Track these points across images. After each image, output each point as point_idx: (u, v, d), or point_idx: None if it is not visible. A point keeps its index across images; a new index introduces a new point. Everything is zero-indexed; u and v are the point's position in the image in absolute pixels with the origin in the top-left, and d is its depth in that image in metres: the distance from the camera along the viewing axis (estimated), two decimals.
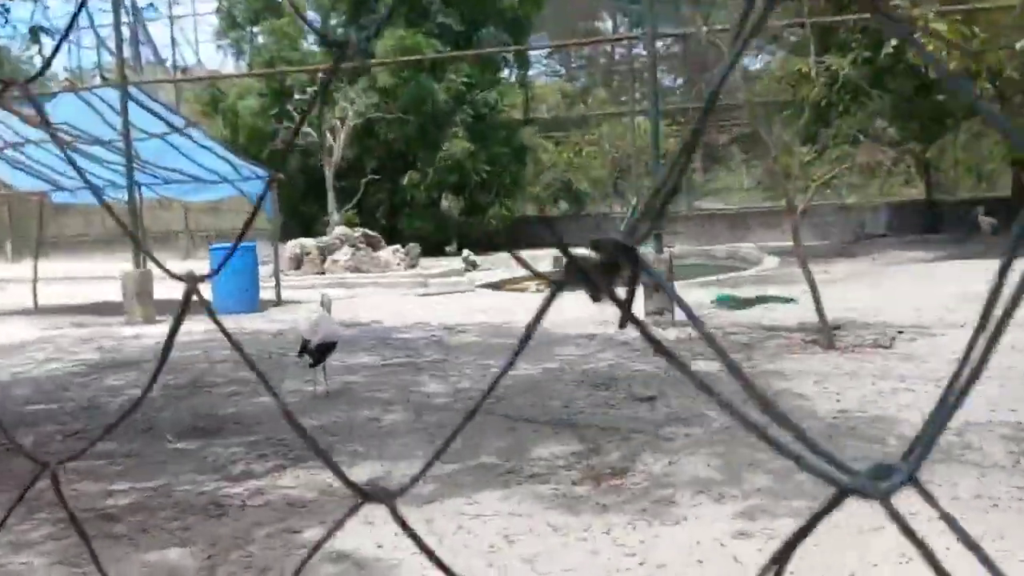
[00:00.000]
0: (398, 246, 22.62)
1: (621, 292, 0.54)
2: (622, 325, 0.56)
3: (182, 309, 0.85)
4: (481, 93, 29.95)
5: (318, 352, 8.59)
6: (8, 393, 9.41)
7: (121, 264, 20.22)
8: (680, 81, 37.22)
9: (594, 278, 0.53)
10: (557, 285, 0.57)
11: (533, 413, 7.61)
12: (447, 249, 26.71)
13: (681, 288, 13.37)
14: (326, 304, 8.83)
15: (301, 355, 8.75)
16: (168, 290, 20.75)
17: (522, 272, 22.44)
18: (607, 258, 0.53)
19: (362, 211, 27.66)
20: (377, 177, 26.63)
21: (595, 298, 0.54)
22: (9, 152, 16.66)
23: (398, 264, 21.84)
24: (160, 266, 0.92)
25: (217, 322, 0.80)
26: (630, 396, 8.05)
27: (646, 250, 21.67)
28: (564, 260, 0.55)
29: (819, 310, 9.87)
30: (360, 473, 6.16)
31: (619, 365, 9.50)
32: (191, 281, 0.85)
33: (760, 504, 5.26)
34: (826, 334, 9.82)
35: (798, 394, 7.78)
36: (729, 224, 28.97)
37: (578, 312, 13.91)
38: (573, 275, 0.54)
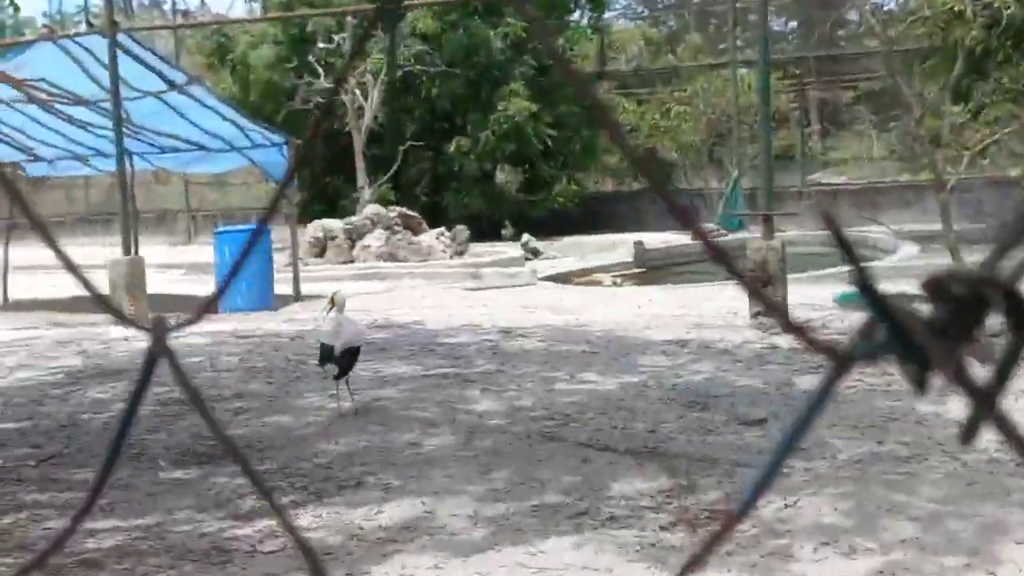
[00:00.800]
0: (442, 229, 22.62)
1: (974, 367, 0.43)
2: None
3: (143, 374, 0.76)
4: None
5: (344, 359, 8.56)
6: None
7: (110, 250, 20.46)
8: (794, 24, 36.84)
9: (929, 348, 0.41)
10: (845, 357, 0.46)
11: (611, 439, 7.49)
12: (503, 233, 26.69)
13: (793, 283, 13.16)
14: (339, 304, 8.73)
15: (323, 364, 8.71)
16: (168, 281, 21.01)
17: (597, 262, 22.36)
18: (954, 309, 0.41)
19: (399, 186, 27.72)
20: (418, 144, 26.66)
21: (920, 383, 0.42)
22: None
23: (443, 251, 21.83)
24: (114, 312, 0.84)
25: (176, 367, 0.72)
26: (733, 418, 7.90)
27: (744, 236, 21.50)
28: (870, 311, 0.44)
29: None
30: (395, 512, 6.09)
31: (719, 379, 9.36)
32: (158, 332, 0.75)
33: (902, 560, 5.10)
34: (985, 345, 9.57)
35: (953, 420, 7.57)
36: (854, 202, 28.60)
37: (666, 310, 13.81)
38: (882, 337, 0.43)
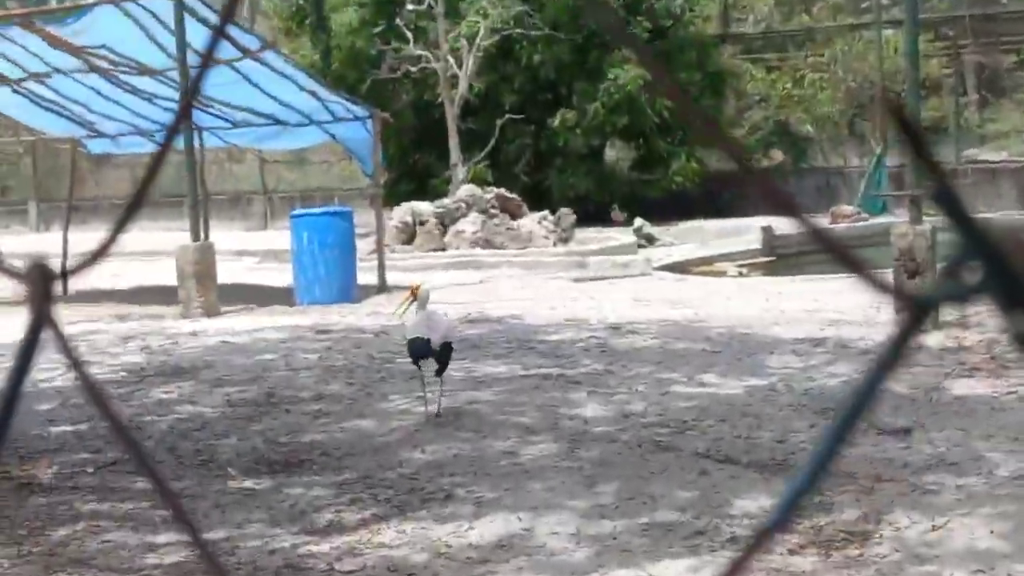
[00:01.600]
0: (545, 212, 22.61)
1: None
2: None
3: (25, 348, 0.73)
4: (662, 0, 29.69)
5: (444, 354, 8.53)
6: (27, 407, 9.70)
7: (178, 235, 20.82)
8: None
9: None
10: (923, 303, 0.42)
11: (733, 450, 7.43)
12: (613, 217, 26.59)
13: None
14: (422, 298, 8.65)
15: (418, 362, 8.63)
16: (241, 270, 21.31)
17: (720, 249, 22.21)
18: None
19: (497, 164, 27.79)
20: (517, 117, 26.68)
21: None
22: (32, 85, 17.26)
23: (545, 237, 21.83)
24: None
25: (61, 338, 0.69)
26: (874, 428, 7.78)
27: (888, 220, 21.16)
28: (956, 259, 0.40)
29: None
30: (487, 529, 6.10)
31: (857, 382, 9.21)
32: (37, 277, 0.72)
33: None
34: None
35: None
36: (1017, 182, 28.03)
37: (798, 304, 13.66)
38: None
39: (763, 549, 0.53)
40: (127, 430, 0.73)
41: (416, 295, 8.77)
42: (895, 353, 0.47)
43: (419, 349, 8.58)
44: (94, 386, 0.68)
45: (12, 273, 0.76)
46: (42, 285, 0.68)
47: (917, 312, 0.46)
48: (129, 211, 0.71)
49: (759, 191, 0.56)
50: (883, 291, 0.48)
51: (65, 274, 0.81)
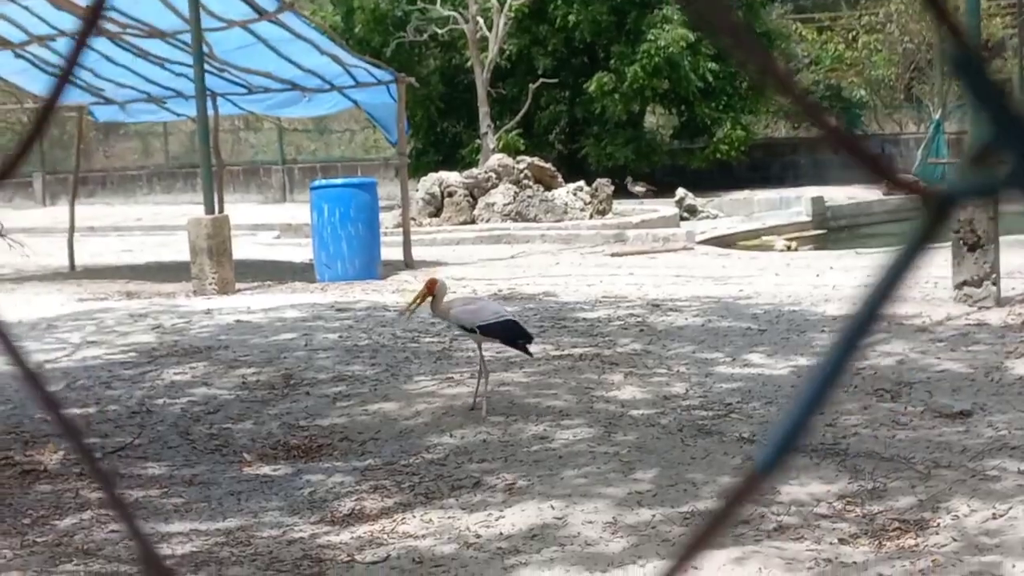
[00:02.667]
0: (581, 183, 22.57)
1: None
2: None
3: None
4: None
5: (500, 332, 8.37)
6: (31, 391, 9.76)
7: (191, 208, 20.88)
8: None
9: None
10: (946, 197, 0.40)
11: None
12: (630, 189, 26.45)
13: (1008, 248, 12.84)
14: (440, 292, 8.42)
15: (523, 343, 8.46)
16: (259, 244, 21.37)
17: (767, 222, 22.14)
18: None
19: (529, 132, 27.75)
20: (551, 82, 26.61)
21: None
22: (36, 49, 17.32)
23: (581, 209, 21.80)
24: None
25: None
26: (931, 410, 7.76)
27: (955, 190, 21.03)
28: None
29: None
30: (518, 518, 6.10)
31: (913, 362, 9.19)
32: None
33: None
34: None
35: None
36: None
37: (850, 280, 13.61)
38: None
39: (753, 493, 0.53)
40: (58, 407, 0.72)
41: (434, 291, 8.39)
42: (913, 252, 0.45)
43: (518, 329, 8.51)
44: (23, 363, 0.68)
45: None
46: None
47: (941, 207, 0.44)
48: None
49: (853, 154, 0.54)
50: (899, 185, 0.45)
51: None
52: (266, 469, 7.33)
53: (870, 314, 0.49)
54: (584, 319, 11.94)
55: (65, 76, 0.72)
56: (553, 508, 6.26)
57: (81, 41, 0.72)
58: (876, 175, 0.54)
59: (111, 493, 0.61)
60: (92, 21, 0.78)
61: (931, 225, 0.44)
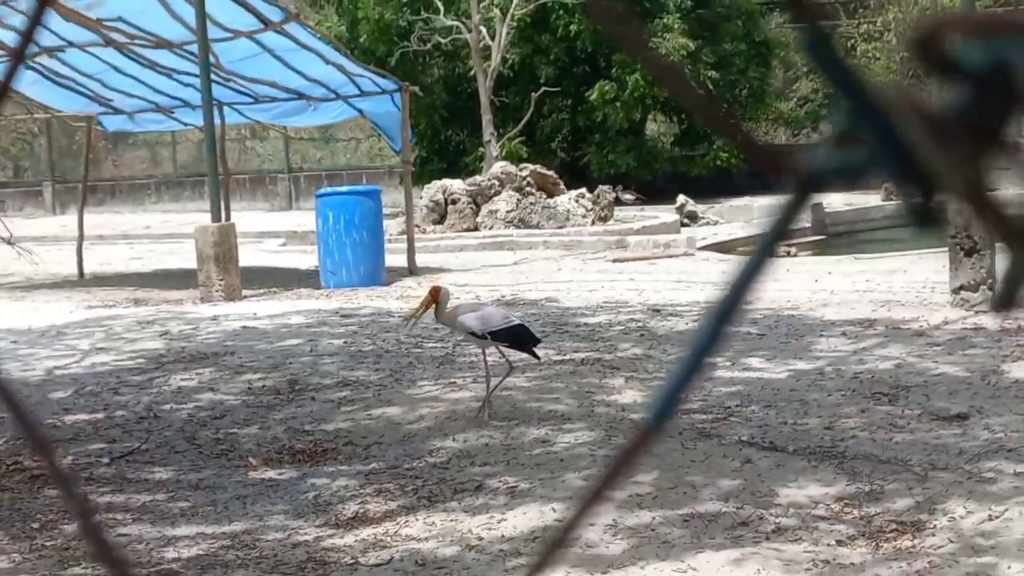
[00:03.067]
0: (583, 190, 22.59)
1: None
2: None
3: None
4: None
5: (509, 338, 8.33)
6: (40, 396, 9.78)
7: (198, 216, 20.90)
8: None
9: (934, 158, 0.34)
10: (810, 177, 0.40)
11: (779, 437, 7.41)
12: (619, 197, 26.44)
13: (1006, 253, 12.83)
14: (444, 300, 8.36)
15: (532, 348, 8.43)
16: (264, 252, 21.38)
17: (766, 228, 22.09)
18: (975, 92, 0.33)
19: (532, 140, 27.78)
20: (554, 90, 26.65)
21: (922, 213, 0.35)
22: (45, 60, 17.35)
23: (583, 216, 21.82)
24: None
25: None
26: (928, 413, 7.75)
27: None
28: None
29: None
30: (520, 521, 6.10)
31: (910, 366, 9.18)
32: None
33: None
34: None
35: None
36: None
37: (848, 285, 13.61)
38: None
39: (642, 447, 0.56)
40: (27, 415, 0.72)
41: (438, 299, 8.31)
42: (777, 232, 0.46)
43: (527, 334, 8.53)
44: None
45: None
46: None
47: (804, 187, 0.44)
48: None
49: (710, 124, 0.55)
50: (760, 157, 0.46)
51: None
52: (271, 473, 7.33)
53: (738, 293, 0.50)
54: (586, 324, 11.94)
55: (20, 55, 0.72)
56: (554, 511, 6.26)
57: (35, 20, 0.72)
58: (740, 147, 0.56)
59: (70, 493, 0.62)
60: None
61: (794, 205, 0.45)
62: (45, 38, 16.65)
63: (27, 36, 0.70)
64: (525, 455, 7.36)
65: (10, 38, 16.44)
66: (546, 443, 7.60)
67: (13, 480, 7.26)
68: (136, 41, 16.86)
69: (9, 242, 12.84)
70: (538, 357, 8.80)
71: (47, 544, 6.12)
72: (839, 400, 8.27)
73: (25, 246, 15.16)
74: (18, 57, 0.73)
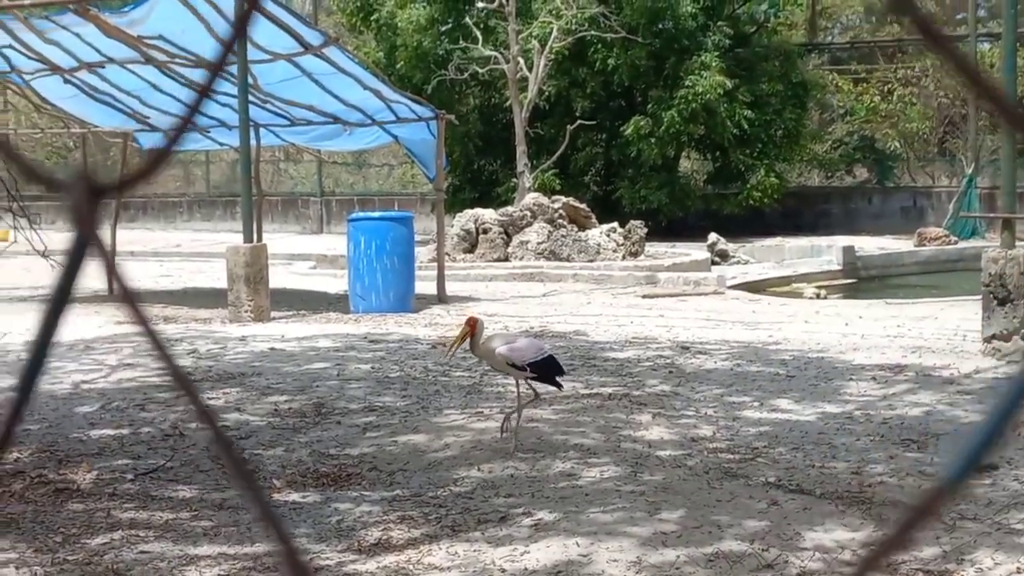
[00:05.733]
0: (614, 224, 22.58)
1: None
2: None
3: (74, 248, 0.72)
4: (745, 4, 29.59)
5: (544, 369, 8.33)
6: (67, 410, 9.81)
7: (230, 236, 20.95)
8: None
9: None
10: None
11: (806, 479, 7.36)
12: (685, 231, 26.54)
13: None
14: (479, 330, 8.27)
15: (557, 378, 8.43)
16: (294, 274, 21.42)
17: (797, 269, 22.10)
18: None
19: (565, 172, 27.81)
20: (589, 123, 26.66)
21: None
22: (84, 76, 17.45)
23: (614, 250, 21.80)
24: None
25: None
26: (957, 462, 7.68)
27: (979, 244, 20.87)
28: None
29: None
30: (543, 554, 6.07)
31: (939, 413, 9.12)
32: (82, 191, 0.70)
33: None
34: None
35: None
36: None
37: (879, 329, 13.55)
38: None
39: (932, 517, 0.53)
40: (207, 410, 0.72)
41: (475, 330, 8.22)
42: None
43: (557, 365, 8.52)
44: (161, 346, 0.68)
45: (54, 183, 0.75)
46: (88, 200, 0.67)
47: None
48: None
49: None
50: None
51: (114, 188, 0.79)
52: (295, 496, 7.32)
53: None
54: (614, 359, 11.91)
55: None
56: (578, 545, 6.22)
57: None
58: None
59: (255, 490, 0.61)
60: None
61: None
62: (85, 53, 16.76)
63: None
64: (550, 488, 7.33)
65: (53, 53, 16.57)
66: (572, 476, 7.57)
67: (37, 493, 7.26)
68: (175, 60, 16.95)
69: (43, 255, 12.89)
70: (561, 387, 8.77)
71: (69, 558, 6.12)
72: (867, 445, 8.22)
73: (57, 259, 15.10)
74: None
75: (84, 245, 0.67)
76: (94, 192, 0.67)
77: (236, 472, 0.62)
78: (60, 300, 0.68)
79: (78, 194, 0.66)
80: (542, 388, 8.61)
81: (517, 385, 8.46)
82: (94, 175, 0.69)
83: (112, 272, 0.69)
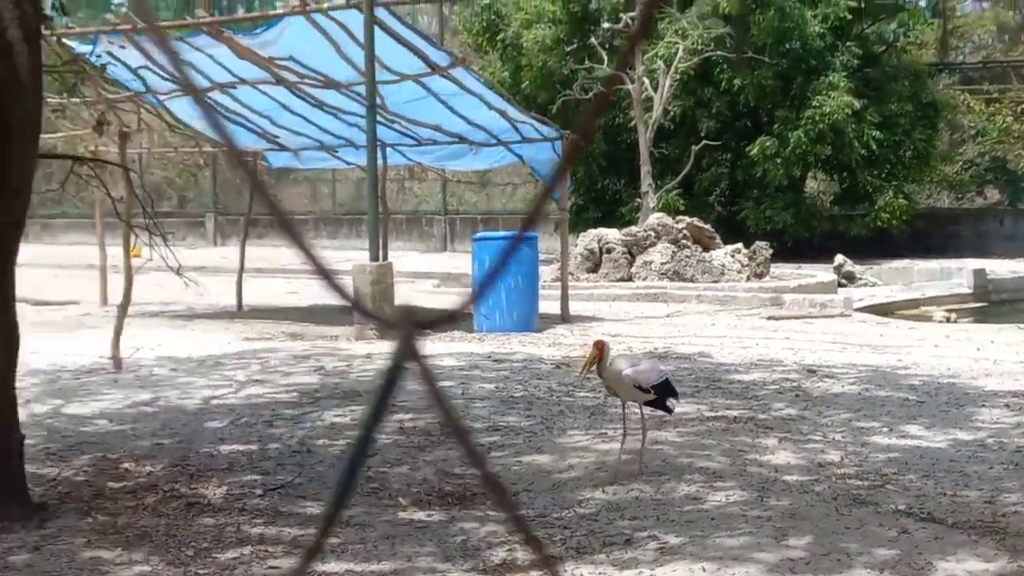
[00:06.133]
0: (739, 245, 22.42)
1: None
2: None
3: (386, 385, 0.76)
4: (874, 24, 29.27)
5: (662, 391, 8.32)
6: (197, 425, 9.97)
7: (355, 253, 21.16)
8: None
9: None
10: None
11: (937, 508, 7.24)
12: (811, 253, 26.27)
13: None
14: (608, 355, 8.20)
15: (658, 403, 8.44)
16: (418, 292, 21.56)
17: (927, 292, 21.78)
18: None
19: (690, 192, 27.69)
20: (714, 143, 26.51)
21: None
22: (216, 96, 17.75)
23: (738, 271, 21.64)
24: (355, 305, 0.85)
25: None
26: None
27: None
28: None
29: None
30: None
31: None
32: (405, 329, 0.74)
33: None
34: None
35: None
36: None
37: (1012, 355, 13.29)
38: None
39: None
40: (491, 473, 0.76)
41: (603, 353, 8.16)
42: None
43: (672, 387, 8.49)
44: (453, 417, 0.73)
45: (382, 318, 0.87)
46: (409, 328, 0.77)
47: None
48: None
49: None
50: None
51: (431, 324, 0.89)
52: (420, 514, 7.35)
53: None
54: (739, 381, 11.82)
55: None
56: (704, 570, 6.18)
57: None
58: None
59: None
60: None
61: None
62: (218, 74, 17.05)
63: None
64: (675, 511, 7.29)
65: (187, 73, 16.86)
66: (697, 500, 7.53)
67: (169, 507, 7.39)
68: (305, 80, 17.17)
69: (177, 272, 13.14)
70: (672, 411, 8.66)
71: (200, 572, 6.21)
72: (1001, 473, 8.06)
73: (190, 276, 15.43)
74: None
75: (403, 366, 0.75)
76: (416, 325, 0.76)
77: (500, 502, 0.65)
78: (381, 407, 0.76)
79: (405, 328, 0.76)
80: (647, 410, 8.55)
81: (640, 408, 8.42)
82: (415, 312, 0.80)
83: (431, 382, 0.74)
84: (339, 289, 0.84)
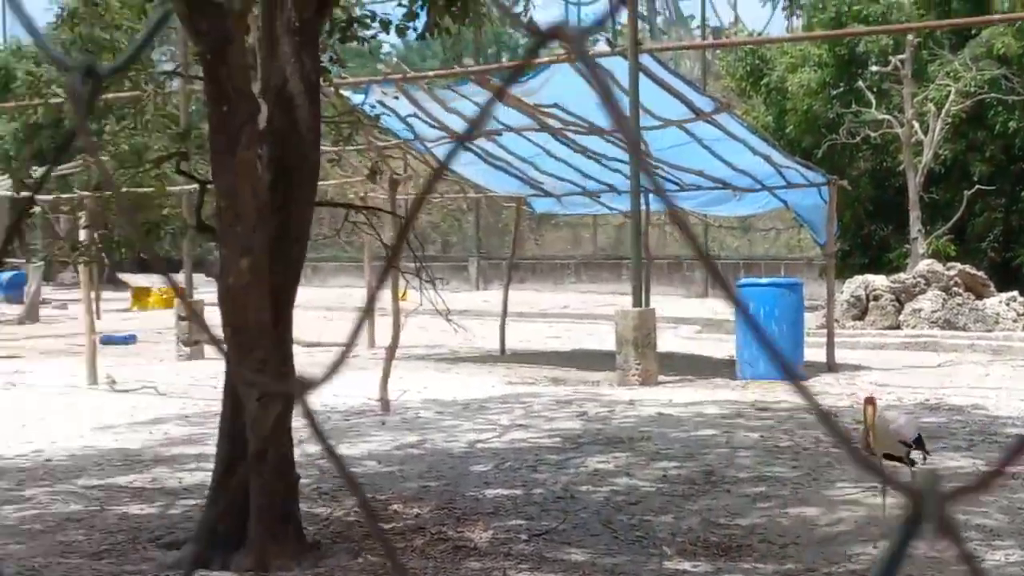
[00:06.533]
0: (1014, 293, 21.70)
1: None
2: None
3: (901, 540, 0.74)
4: None
5: (921, 444, 8.25)
6: (463, 468, 10.11)
7: (616, 298, 21.22)
8: None
9: None
10: None
11: None
12: None
13: None
14: (879, 412, 8.08)
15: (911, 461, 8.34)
16: (680, 338, 21.49)
17: None
18: None
19: (961, 238, 26.89)
20: (987, 188, 25.74)
21: None
22: (481, 142, 18.08)
23: (1014, 320, 20.94)
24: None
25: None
26: None
27: None
28: None
29: None
30: None
31: None
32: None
33: None
34: None
35: None
36: None
37: None
38: None
39: None
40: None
41: (875, 407, 8.09)
42: None
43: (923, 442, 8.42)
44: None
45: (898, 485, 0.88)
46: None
47: None
48: None
49: None
50: None
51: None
52: (686, 565, 7.29)
53: None
54: (1016, 435, 11.40)
55: None
56: None
57: None
58: None
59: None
60: None
61: None
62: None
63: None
64: (951, 570, 7.05)
65: (453, 121, 17.25)
66: (975, 560, 7.26)
67: (437, 549, 7.50)
68: (569, 127, 17.35)
69: (446, 317, 13.42)
70: (915, 465, 8.44)
71: None
72: None
73: (455, 320, 15.73)
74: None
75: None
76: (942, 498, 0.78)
77: None
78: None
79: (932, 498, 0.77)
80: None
81: (906, 461, 8.21)
82: (941, 478, 0.83)
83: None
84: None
